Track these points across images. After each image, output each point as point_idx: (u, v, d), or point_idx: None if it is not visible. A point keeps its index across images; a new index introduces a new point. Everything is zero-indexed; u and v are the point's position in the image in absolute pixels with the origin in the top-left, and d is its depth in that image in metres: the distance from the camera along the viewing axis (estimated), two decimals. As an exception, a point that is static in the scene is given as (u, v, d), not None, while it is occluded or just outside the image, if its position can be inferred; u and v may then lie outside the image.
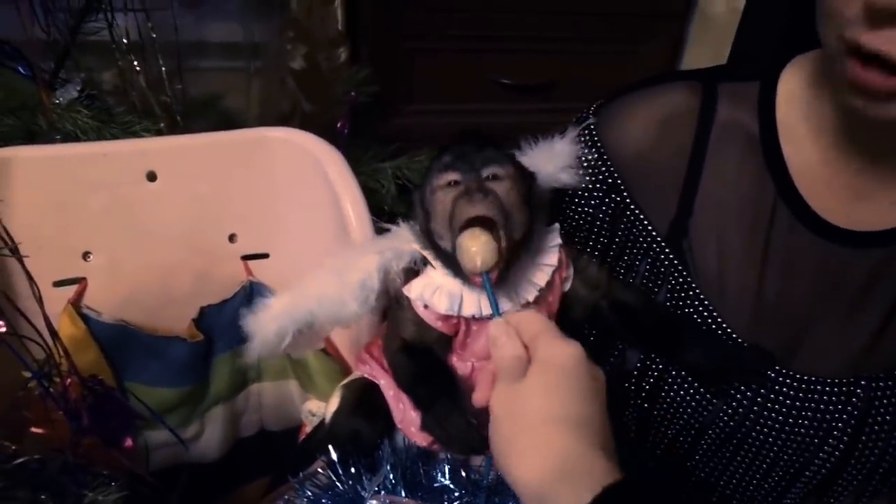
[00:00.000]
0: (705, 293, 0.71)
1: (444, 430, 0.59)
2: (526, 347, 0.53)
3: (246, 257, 0.93)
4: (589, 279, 0.67)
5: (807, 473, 0.74)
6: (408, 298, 0.62)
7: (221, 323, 0.89)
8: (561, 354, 0.52)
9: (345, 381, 0.71)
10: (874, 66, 0.54)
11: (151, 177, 0.84)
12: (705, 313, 0.71)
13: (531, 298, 0.61)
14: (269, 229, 0.92)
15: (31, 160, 0.79)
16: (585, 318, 0.68)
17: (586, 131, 0.74)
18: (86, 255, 0.84)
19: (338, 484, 0.59)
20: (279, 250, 0.93)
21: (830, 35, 0.57)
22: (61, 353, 0.63)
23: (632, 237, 0.75)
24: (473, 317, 0.61)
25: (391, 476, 0.60)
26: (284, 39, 1.26)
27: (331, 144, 0.86)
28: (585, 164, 0.72)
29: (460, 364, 0.64)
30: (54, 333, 0.63)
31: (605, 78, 1.51)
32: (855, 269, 0.69)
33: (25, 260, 0.63)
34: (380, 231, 0.68)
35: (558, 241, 0.64)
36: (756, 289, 0.70)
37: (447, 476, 0.61)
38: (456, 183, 0.58)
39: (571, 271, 0.66)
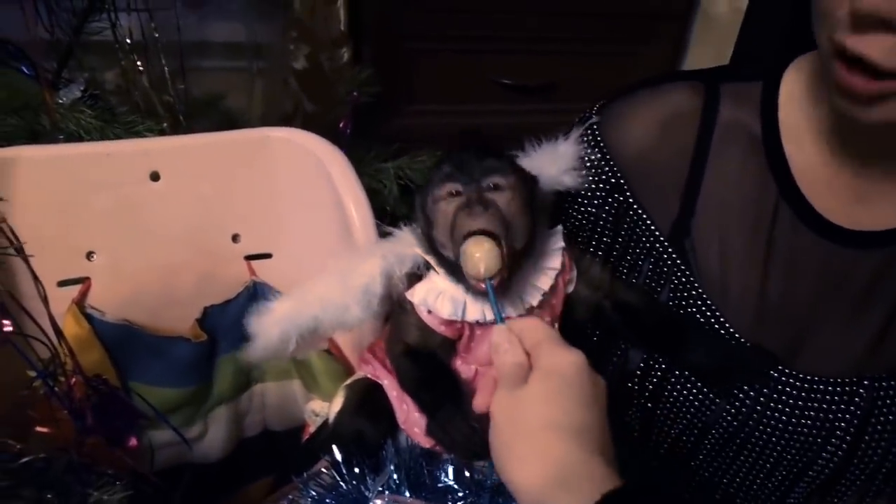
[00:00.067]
0: (708, 293, 0.71)
1: (448, 435, 0.59)
2: (528, 354, 0.53)
3: (249, 257, 0.93)
4: (592, 280, 0.67)
5: (810, 473, 0.74)
6: (411, 303, 0.62)
7: (225, 323, 0.89)
8: (562, 362, 0.52)
9: (348, 382, 0.71)
10: (858, 69, 0.54)
11: (155, 177, 0.84)
12: (708, 313, 0.71)
13: (535, 303, 0.61)
14: (273, 229, 0.92)
15: (35, 160, 0.79)
16: (588, 319, 0.68)
17: (589, 131, 0.74)
18: (89, 255, 0.84)
19: (341, 484, 0.59)
20: (282, 250, 0.93)
21: (822, 35, 0.58)
22: (66, 352, 0.63)
23: (634, 237, 0.75)
24: (477, 322, 0.61)
25: (395, 476, 0.60)
26: (287, 40, 1.26)
27: (333, 144, 0.86)
28: (588, 165, 0.73)
29: (464, 367, 0.64)
30: (59, 333, 0.63)
31: (606, 78, 1.51)
32: (858, 269, 0.69)
33: (30, 260, 0.63)
34: (382, 234, 0.68)
35: (561, 243, 0.64)
36: (759, 289, 0.70)
37: (451, 476, 0.61)
38: (457, 193, 0.58)
39: (575, 274, 0.66)
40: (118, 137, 0.94)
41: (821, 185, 0.68)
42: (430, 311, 0.61)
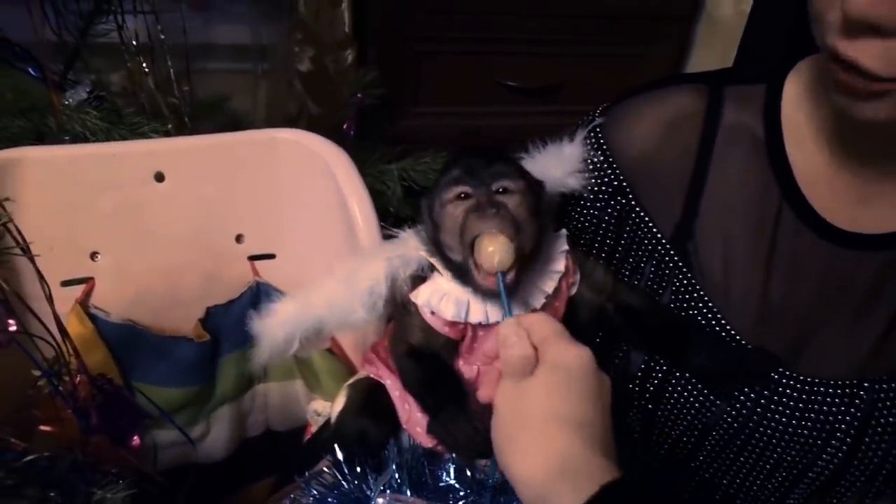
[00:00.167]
0: (710, 295, 0.71)
1: (451, 435, 0.60)
2: (535, 349, 0.54)
3: (253, 258, 0.93)
4: (595, 283, 0.67)
5: (810, 475, 0.74)
6: (415, 304, 0.62)
7: (228, 323, 0.89)
8: (569, 356, 0.53)
9: (350, 381, 0.71)
10: (852, 71, 0.54)
11: (159, 177, 0.84)
12: (710, 315, 0.71)
13: (538, 305, 0.62)
14: (276, 230, 0.93)
15: (41, 161, 0.79)
16: (591, 321, 0.68)
17: (592, 133, 0.74)
18: (93, 255, 0.84)
19: (343, 483, 0.60)
20: (286, 251, 0.94)
21: (818, 36, 0.58)
22: (70, 352, 0.64)
23: (637, 239, 0.75)
24: (480, 323, 0.61)
25: (397, 475, 0.60)
26: (292, 42, 1.27)
27: (338, 146, 0.87)
28: (591, 167, 0.73)
29: (466, 368, 0.64)
30: (64, 332, 0.63)
31: (610, 80, 1.52)
32: (860, 271, 0.69)
33: (35, 260, 0.63)
34: (386, 237, 0.68)
35: (565, 247, 0.64)
36: (761, 291, 0.70)
37: (453, 476, 0.61)
38: (466, 196, 0.58)
39: (578, 276, 0.66)
40: (124, 139, 0.94)
41: (822, 187, 0.68)
42: (433, 313, 0.61)
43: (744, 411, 0.71)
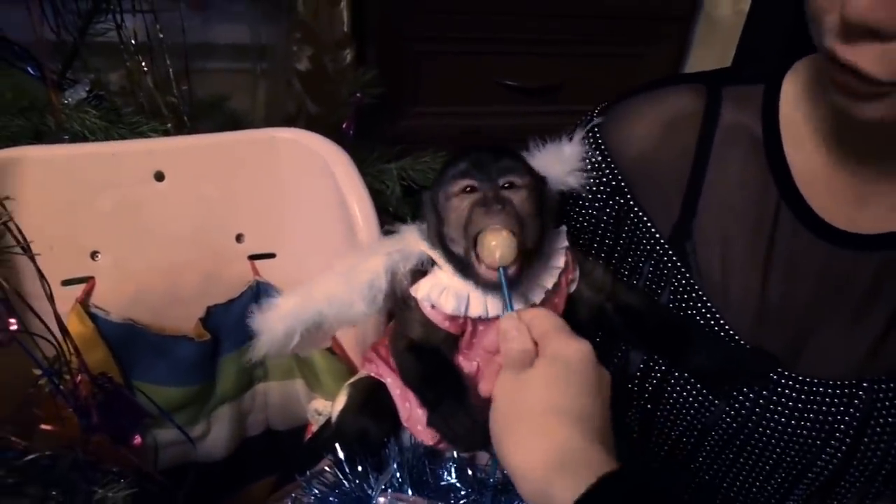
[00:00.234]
0: (708, 295, 0.71)
1: (450, 428, 0.60)
2: (535, 343, 0.54)
3: (253, 257, 0.93)
4: (594, 281, 0.67)
5: (809, 475, 0.74)
6: (415, 299, 0.63)
7: (228, 322, 0.89)
8: (569, 349, 0.53)
9: (351, 380, 0.71)
10: (851, 74, 0.54)
11: (159, 177, 0.85)
12: (708, 315, 0.71)
13: (538, 300, 0.62)
14: (276, 229, 0.93)
15: (40, 160, 0.79)
16: (590, 320, 0.68)
17: (591, 133, 0.75)
18: (94, 255, 0.84)
19: (344, 482, 0.60)
20: (286, 250, 0.94)
21: (816, 38, 0.58)
22: (71, 350, 0.64)
23: (636, 239, 0.75)
24: (480, 317, 0.61)
25: (398, 474, 0.61)
26: (291, 41, 1.27)
27: (338, 145, 0.87)
28: (589, 167, 0.73)
29: (466, 363, 0.64)
30: (65, 331, 0.63)
31: (609, 80, 1.53)
32: (858, 272, 0.69)
33: (35, 259, 0.63)
34: (385, 233, 0.69)
35: (565, 243, 0.65)
36: (759, 291, 0.71)
37: (454, 475, 0.62)
38: (472, 189, 0.59)
39: (577, 273, 0.66)
40: (123, 138, 0.94)
41: (820, 187, 0.69)
42: (433, 307, 0.62)
43: (743, 411, 0.71)
